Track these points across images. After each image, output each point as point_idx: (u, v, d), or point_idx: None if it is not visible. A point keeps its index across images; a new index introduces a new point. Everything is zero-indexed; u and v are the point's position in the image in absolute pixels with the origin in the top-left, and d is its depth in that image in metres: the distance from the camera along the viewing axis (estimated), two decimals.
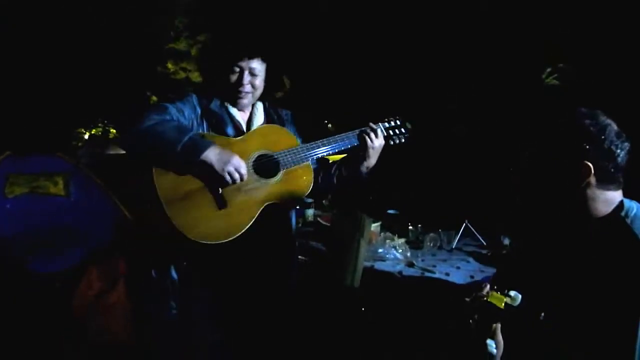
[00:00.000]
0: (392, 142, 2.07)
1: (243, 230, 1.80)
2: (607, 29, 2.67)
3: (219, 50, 1.95)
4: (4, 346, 2.63)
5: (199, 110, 1.89)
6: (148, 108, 1.81)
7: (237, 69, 1.88)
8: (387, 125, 2.07)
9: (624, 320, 1.11)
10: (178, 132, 1.73)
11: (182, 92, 1.95)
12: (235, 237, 1.78)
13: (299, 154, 1.92)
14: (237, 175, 1.77)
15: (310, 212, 3.20)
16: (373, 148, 1.97)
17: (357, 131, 2.00)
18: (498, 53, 3.09)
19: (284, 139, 1.97)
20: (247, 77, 1.90)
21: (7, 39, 3.90)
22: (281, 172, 1.90)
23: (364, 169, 2.02)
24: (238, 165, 1.77)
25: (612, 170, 1.21)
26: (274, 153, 1.89)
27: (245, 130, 1.97)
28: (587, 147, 1.19)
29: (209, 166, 1.73)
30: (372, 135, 1.96)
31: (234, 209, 1.80)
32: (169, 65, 7.37)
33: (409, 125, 2.09)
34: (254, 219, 1.83)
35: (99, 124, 4.97)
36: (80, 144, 4.71)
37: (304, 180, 1.97)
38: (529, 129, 1.39)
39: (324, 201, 3.43)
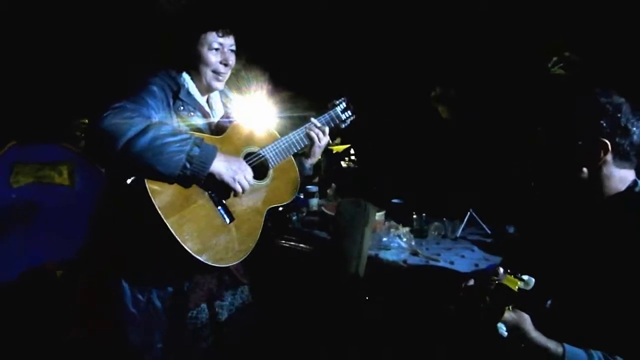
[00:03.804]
0: (343, 126, 2.05)
1: (256, 242, 1.70)
2: (612, 18, 2.65)
3: (196, 27, 1.71)
4: (7, 335, 2.66)
5: (165, 102, 1.63)
6: (123, 108, 1.47)
7: (218, 46, 1.71)
8: (339, 109, 2.01)
9: None
10: (178, 140, 1.48)
11: (139, 81, 1.64)
12: (250, 252, 1.67)
13: (282, 148, 1.83)
14: (246, 183, 1.64)
15: (314, 202, 3.20)
16: (320, 147, 1.95)
17: (303, 129, 1.92)
18: (502, 42, 3.07)
19: (263, 132, 1.85)
20: (229, 55, 1.74)
21: (10, 29, 3.89)
22: (271, 170, 1.81)
23: (309, 165, 2.00)
24: (246, 172, 1.65)
25: (628, 148, 1.22)
26: (259, 150, 1.79)
27: (213, 118, 1.81)
28: (604, 124, 1.20)
29: (217, 178, 1.58)
30: (321, 134, 1.92)
31: (241, 221, 1.68)
32: None
33: (348, 112, 2.05)
34: (262, 228, 1.74)
35: None
36: (84, 134, 4.71)
37: (292, 174, 1.90)
38: (538, 115, 1.38)
39: (328, 190, 3.44)
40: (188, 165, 1.48)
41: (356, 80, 3.53)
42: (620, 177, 1.25)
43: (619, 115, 1.20)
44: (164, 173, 1.46)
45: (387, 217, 2.84)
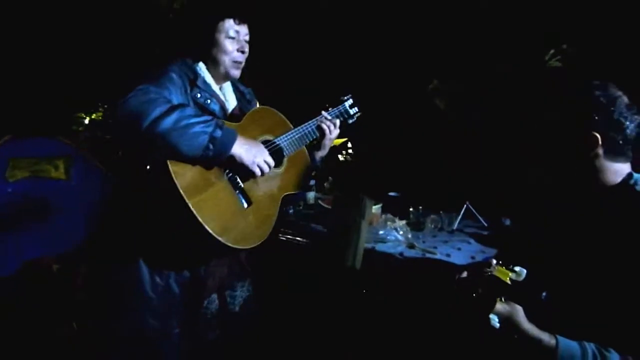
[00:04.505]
0: (351, 121, 2.08)
1: (272, 227, 1.73)
2: (609, 10, 2.65)
3: (211, 15, 1.74)
4: (3, 330, 2.65)
5: (183, 89, 1.66)
6: (147, 90, 1.50)
7: (234, 35, 1.74)
8: (347, 105, 2.04)
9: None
10: (202, 121, 1.51)
11: (158, 68, 1.67)
12: (266, 237, 1.70)
13: (296, 139, 1.87)
14: (265, 167, 1.67)
15: (311, 195, 3.20)
16: (330, 139, 1.98)
17: (314, 122, 1.95)
18: (498, 36, 3.07)
19: (278, 122, 1.90)
20: (244, 44, 1.77)
21: (6, 22, 3.86)
22: (285, 158, 1.85)
23: (319, 157, 2.02)
24: (265, 156, 1.67)
25: (621, 142, 1.21)
26: (275, 139, 1.82)
27: (227, 108, 1.85)
28: (596, 117, 1.19)
29: (237, 161, 1.60)
30: (332, 127, 1.95)
31: (258, 206, 1.71)
32: None
33: (355, 107, 2.08)
34: (277, 214, 1.77)
35: (100, 109, 4.95)
36: (80, 128, 4.70)
37: (305, 164, 1.94)
38: (533, 107, 1.38)
39: (325, 184, 3.43)
40: (211, 147, 1.51)
41: (353, 73, 3.53)
42: (614, 170, 1.24)
43: (612, 109, 1.19)
44: (187, 153, 1.49)
45: (384, 210, 2.84)
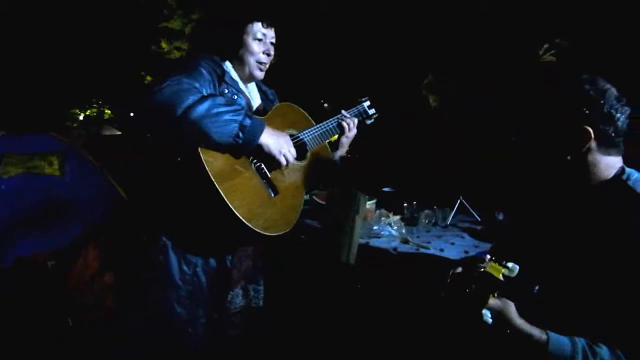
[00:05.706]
0: (369, 122, 2.10)
1: (298, 217, 1.76)
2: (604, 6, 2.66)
3: (240, 18, 1.80)
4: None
5: (211, 83, 1.70)
6: (181, 80, 1.55)
7: (261, 37, 1.79)
8: (364, 106, 2.06)
9: (632, 283, 1.12)
10: (232, 109, 1.56)
11: (188, 62, 1.73)
12: (293, 225, 1.74)
13: (318, 134, 1.90)
14: (290, 157, 1.71)
15: None
16: (347, 137, 2.00)
17: (335, 119, 1.97)
18: (494, 29, 3.08)
19: (301, 117, 1.93)
20: (270, 46, 1.82)
21: (2, 21, 3.85)
22: (308, 153, 1.88)
23: (337, 156, 2.03)
24: (291, 147, 1.71)
25: (613, 134, 1.20)
26: (299, 133, 1.85)
27: (252, 105, 1.89)
28: (587, 111, 1.19)
29: (265, 149, 1.64)
30: (351, 124, 1.97)
31: (284, 195, 1.74)
32: (163, 44, 7.29)
33: (373, 109, 2.10)
34: (303, 204, 1.81)
35: (94, 105, 4.94)
36: (75, 124, 4.70)
37: (326, 158, 1.96)
38: (524, 102, 1.38)
39: None
40: (240, 134, 1.55)
41: (351, 71, 3.53)
42: (607, 164, 1.23)
43: (602, 102, 1.19)
44: (218, 140, 1.53)
45: (378, 205, 2.85)
